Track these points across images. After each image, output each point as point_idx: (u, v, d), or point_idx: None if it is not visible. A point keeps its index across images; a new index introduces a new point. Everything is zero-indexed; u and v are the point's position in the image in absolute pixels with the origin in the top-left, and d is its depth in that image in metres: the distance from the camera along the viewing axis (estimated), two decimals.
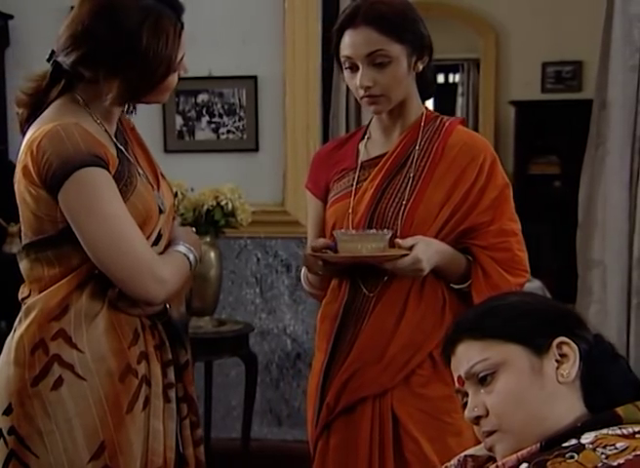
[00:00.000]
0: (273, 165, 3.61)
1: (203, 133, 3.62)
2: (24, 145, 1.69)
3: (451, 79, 8.39)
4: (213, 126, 3.60)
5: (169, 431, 1.77)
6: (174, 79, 1.76)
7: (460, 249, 1.91)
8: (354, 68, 1.88)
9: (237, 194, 3.07)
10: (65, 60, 1.70)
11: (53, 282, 1.70)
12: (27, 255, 1.73)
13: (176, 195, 3.02)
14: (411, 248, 1.80)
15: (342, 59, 1.90)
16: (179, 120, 3.60)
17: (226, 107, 3.58)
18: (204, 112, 3.60)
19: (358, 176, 1.95)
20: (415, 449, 1.86)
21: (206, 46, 3.55)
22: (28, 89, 1.76)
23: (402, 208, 1.88)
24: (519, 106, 7.06)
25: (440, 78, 8.47)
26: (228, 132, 3.60)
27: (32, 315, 1.70)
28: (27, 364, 1.68)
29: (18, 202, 1.74)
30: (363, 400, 1.89)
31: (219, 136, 3.61)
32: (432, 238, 1.86)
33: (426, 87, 1.99)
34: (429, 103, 9.61)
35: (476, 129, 7.74)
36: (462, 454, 1.36)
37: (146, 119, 3.58)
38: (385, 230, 1.86)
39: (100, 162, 1.65)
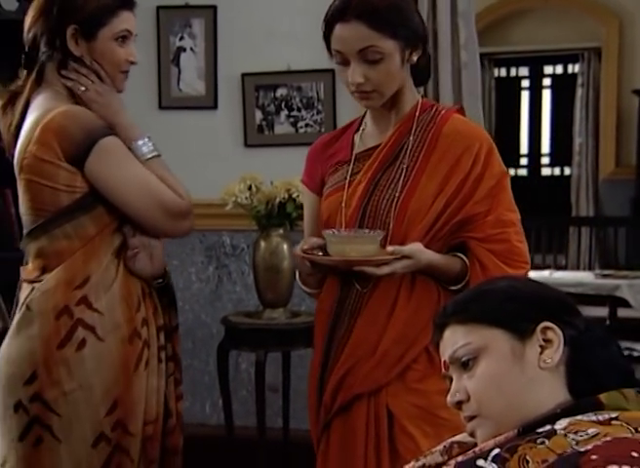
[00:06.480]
0: None
1: (282, 126, 3.64)
2: (28, 131, 1.85)
3: (570, 69, 8.13)
4: (291, 120, 3.62)
5: (160, 388, 1.95)
6: (114, 47, 1.91)
7: (455, 243, 1.84)
8: (345, 63, 1.81)
9: None
10: (25, 36, 1.92)
11: (71, 254, 1.87)
12: (45, 232, 1.88)
13: (249, 188, 3.12)
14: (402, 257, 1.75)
15: (333, 53, 1.84)
16: (258, 114, 3.64)
17: (305, 101, 3.60)
18: (283, 106, 3.63)
19: (352, 169, 1.90)
20: (410, 446, 1.79)
21: (284, 40, 3.60)
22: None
23: (395, 200, 1.82)
24: None
25: (559, 69, 8.24)
26: (307, 125, 3.61)
27: (53, 285, 1.85)
28: (53, 330, 1.83)
29: (23, 189, 1.90)
30: (358, 398, 1.84)
31: (297, 130, 3.63)
32: (422, 244, 1.79)
33: (420, 73, 1.93)
34: (547, 96, 9.33)
35: (597, 120, 7.45)
36: (449, 441, 1.34)
37: (228, 114, 3.70)
38: (377, 231, 1.80)
39: (114, 132, 1.88)
